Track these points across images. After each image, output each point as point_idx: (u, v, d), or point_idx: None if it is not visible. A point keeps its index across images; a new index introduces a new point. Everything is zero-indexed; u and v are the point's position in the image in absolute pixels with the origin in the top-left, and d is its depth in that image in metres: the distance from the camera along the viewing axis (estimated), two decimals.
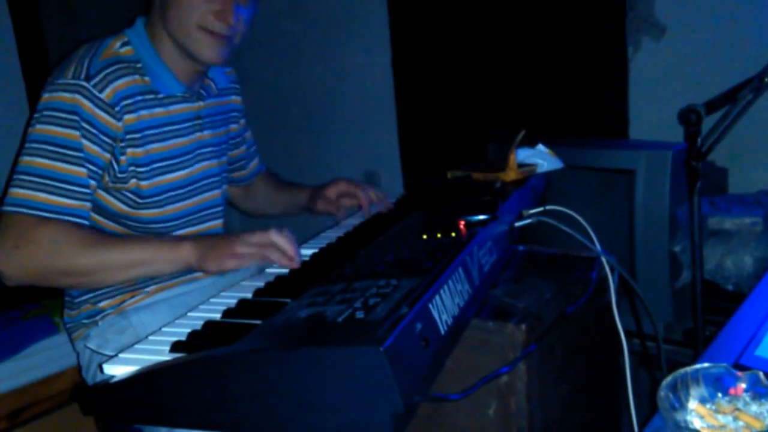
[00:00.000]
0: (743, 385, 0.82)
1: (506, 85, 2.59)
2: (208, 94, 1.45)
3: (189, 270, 1.26)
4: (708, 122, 1.41)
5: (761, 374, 0.82)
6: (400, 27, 2.90)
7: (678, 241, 1.70)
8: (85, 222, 1.23)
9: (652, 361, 1.69)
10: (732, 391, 0.83)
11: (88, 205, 1.24)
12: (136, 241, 1.23)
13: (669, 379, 0.82)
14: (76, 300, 1.38)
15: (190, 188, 1.40)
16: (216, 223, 1.49)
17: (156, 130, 1.33)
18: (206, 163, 1.44)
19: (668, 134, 2.04)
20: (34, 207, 1.18)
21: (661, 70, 2.23)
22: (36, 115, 1.23)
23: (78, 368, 1.49)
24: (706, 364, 0.84)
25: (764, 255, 1.65)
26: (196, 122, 1.41)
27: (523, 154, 1.50)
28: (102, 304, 1.36)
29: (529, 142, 1.59)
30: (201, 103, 1.42)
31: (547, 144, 1.61)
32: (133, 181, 1.30)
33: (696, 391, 0.82)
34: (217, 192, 1.48)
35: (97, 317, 1.36)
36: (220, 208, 1.51)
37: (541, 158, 1.49)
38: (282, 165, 2.08)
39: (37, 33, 2.89)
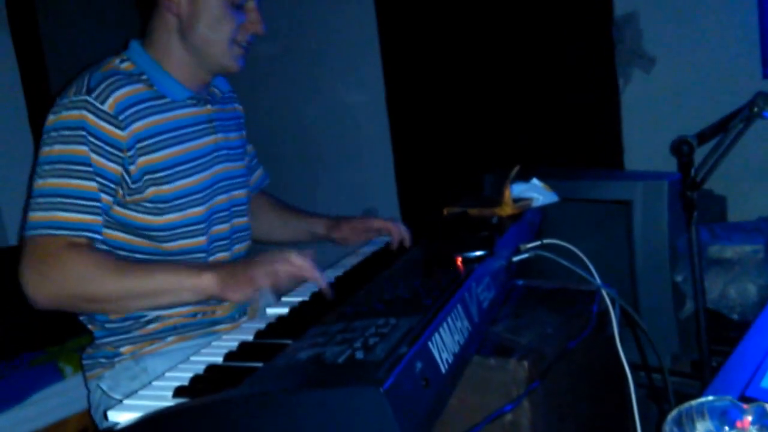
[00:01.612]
0: (749, 418, 0.80)
1: (500, 118, 2.61)
2: (214, 99, 1.47)
3: (213, 321, 1.27)
4: (702, 151, 1.42)
5: (767, 406, 0.80)
6: (392, 64, 2.94)
7: (680, 270, 1.69)
8: (99, 237, 1.24)
9: (660, 394, 1.66)
10: (738, 424, 0.81)
11: (100, 219, 1.24)
12: (160, 269, 1.23)
13: (674, 413, 0.81)
14: (98, 341, 1.38)
15: (209, 191, 1.39)
16: (242, 220, 1.50)
17: (171, 134, 1.33)
18: (224, 165, 1.44)
19: (664, 163, 2.05)
20: (51, 226, 1.19)
21: (653, 101, 2.25)
22: (43, 137, 1.25)
23: (84, 414, 1.48)
24: (710, 398, 0.83)
25: (767, 282, 1.63)
26: (209, 125, 1.42)
27: (518, 189, 1.51)
28: (122, 349, 1.36)
29: (524, 176, 1.60)
30: (210, 107, 1.43)
31: (542, 177, 1.61)
32: (152, 188, 1.29)
33: (702, 425, 0.81)
34: (240, 192, 1.49)
35: (115, 359, 1.36)
36: (244, 207, 1.51)
37: (536, 192, 1.49)
38: None
39: (40, 65, 2.95)
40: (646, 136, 2.25)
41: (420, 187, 2.99)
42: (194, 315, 1.39)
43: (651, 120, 2.25)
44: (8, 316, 2.11)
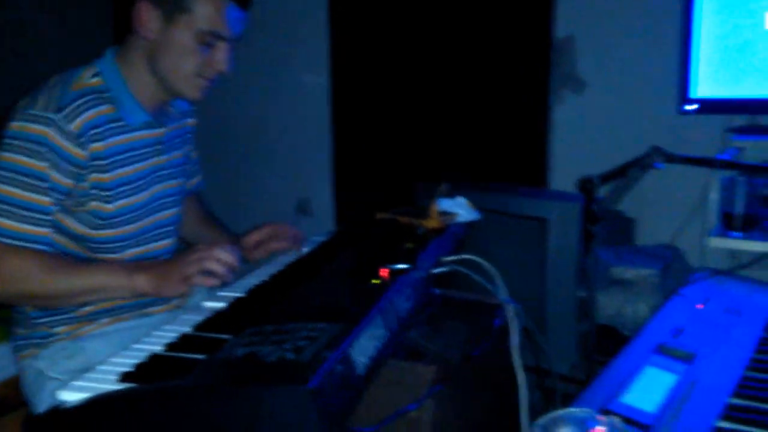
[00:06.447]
0: (603, 428, 1.06)
1: (438, 121, 2.84)
2: (169, 119, 1.63)
3: (146, 302, 1.45)
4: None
5: (617, 420, 1.07)
6: (339, 51, 3.13)
7: (585, 287, 1.98)
8: (47, 248, 1.41)
9: (555, 399, 1.95)
10: None
11: (49, 231, 1.41)
12: (97, 270, 1.42)
13: (543, 419, 1.06)
14: (32, 321, 1.53)
15: (145, 209, 1.58)
16: (168, 242, 1.67)
17: (122, 156, 1.50)
18: (162, 184, 1.62)
19: None
20: (1, 234, 1.35)
21: (582, 123, 2.54)
22: (5, 142, 1.39)
23: (3, 385, 1.63)
24: (575, 408, 1.09)
25: (659, 304, 1.94)
26: (156, 147, 1.59)
27: (445, 204, 1.74)
28: (58, 329, 1.52)
29: (453, 186, 1.83)
30: (163, 129, 1.60)
31: (469, 187, 1.85)
32: (95, 203, 1.47)
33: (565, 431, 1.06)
34: (171, 211, 1.67)
35: (50, 339, 1.52)
36: (173, 227, 1.69)
37: (461, 209, 1.73)
38: (215, 187, 2.24)
39: None
40: (573, 156, 2.54)
41: (355, 179, 3.20)
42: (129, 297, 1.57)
43: (578, 141, 2.53)
44: None
